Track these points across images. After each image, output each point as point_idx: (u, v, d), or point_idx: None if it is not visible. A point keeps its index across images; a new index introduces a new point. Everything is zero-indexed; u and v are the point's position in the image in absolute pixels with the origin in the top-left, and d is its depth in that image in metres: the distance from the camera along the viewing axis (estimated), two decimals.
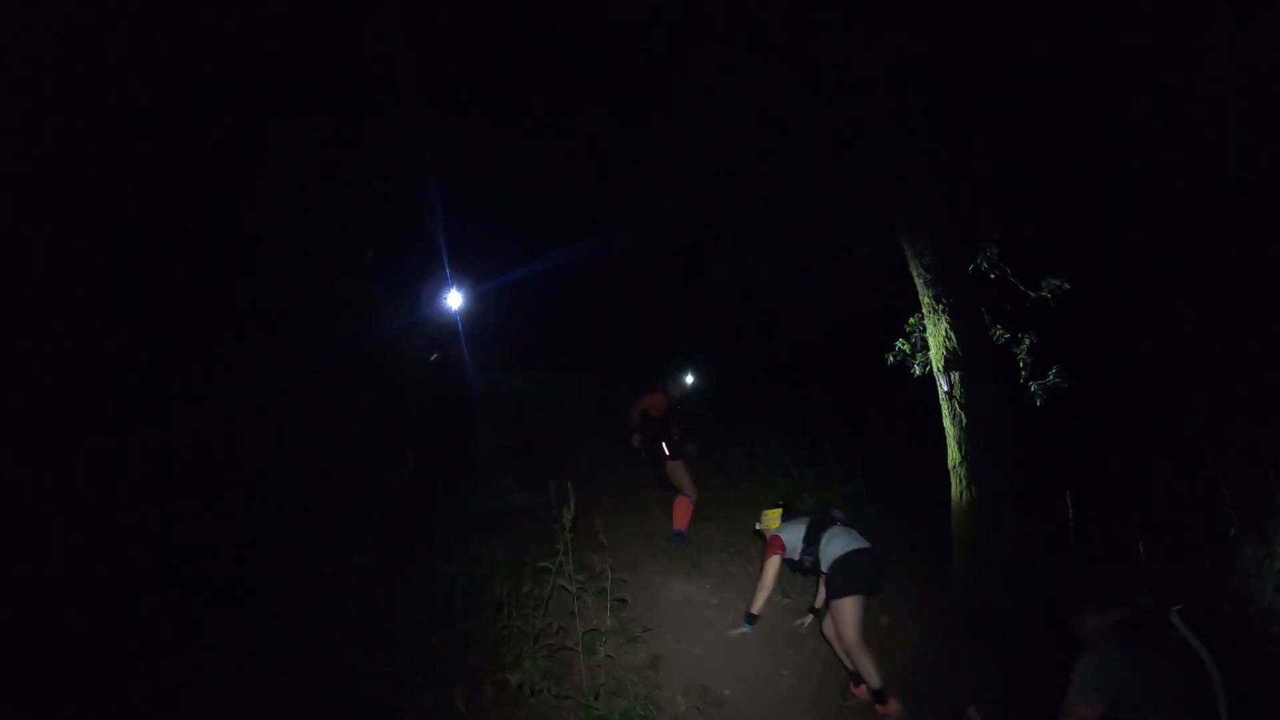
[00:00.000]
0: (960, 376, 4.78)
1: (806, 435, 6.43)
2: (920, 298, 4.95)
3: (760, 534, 4.41)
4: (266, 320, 5.41)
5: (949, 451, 4.85)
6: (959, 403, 4.76)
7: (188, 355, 5.05)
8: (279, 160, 5.87)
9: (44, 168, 4.94)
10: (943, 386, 4.79)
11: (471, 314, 6.45)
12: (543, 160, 7.59)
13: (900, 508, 6.00)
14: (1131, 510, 5.50)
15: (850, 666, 3.88)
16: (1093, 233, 5.52)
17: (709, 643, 4.37)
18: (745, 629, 4.25)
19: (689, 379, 5.64)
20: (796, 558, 3.98)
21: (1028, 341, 5.18)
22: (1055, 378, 5.09)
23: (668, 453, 5.27)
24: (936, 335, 4.86)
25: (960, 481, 4.80)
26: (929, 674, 4.22)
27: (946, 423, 4.87)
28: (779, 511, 4.23)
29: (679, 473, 5.38)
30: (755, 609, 4.13)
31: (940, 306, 4.82)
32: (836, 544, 3.81)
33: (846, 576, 3.71)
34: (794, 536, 3.99)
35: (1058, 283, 5.00)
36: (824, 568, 3.87)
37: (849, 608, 3.67)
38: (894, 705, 3.67)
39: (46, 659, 3.45)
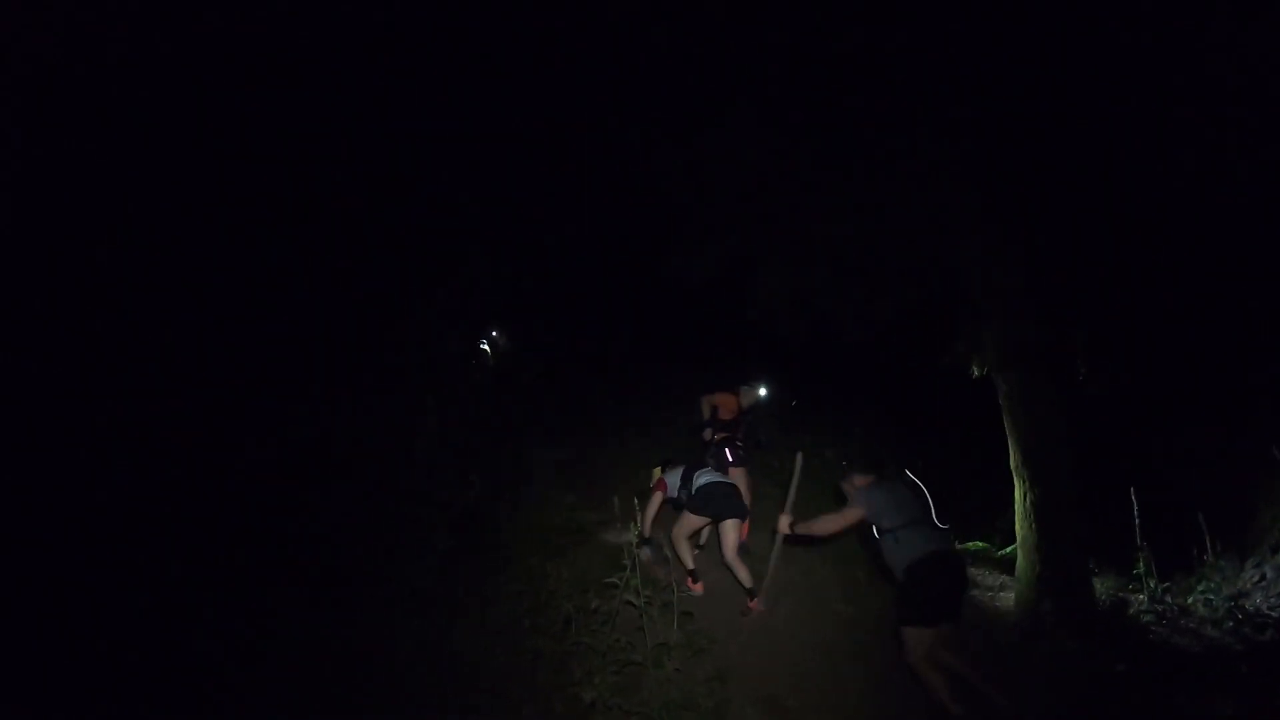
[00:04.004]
0: (1018, 377, 4.70)
1: (862, 443, 6.31)
2: (975, 298, 4.86)
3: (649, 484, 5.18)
4: (336, 349, 5.43)
5: (1010, 454, 4.77)
6: (1017, 404, 4.67)
7: (264, 381, 5.08)
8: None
9: (44, 168, 4.97)
10: (1001, 388, 4.70)
11: (527, 332, 6.43)
12: (588, 178, 7.53)
13: (965, 521, 5.87)
14: (1194, 505, 5.38)
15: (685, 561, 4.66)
16: (1097, 231, 5.37)
17: (773, 652, 4.33)
18: (634, 547, 4.67)
19: (762, 391, 5.64)
20: (676, 495, 4.80)
21: (1084, 340, 5.06)
22: (1113, 375, 4.98)
23: (731, 459, 5.24)
24: (992, 336, 4.77)
25: (1023, 483, 4.72)
26: (991, 676, 4.15)
27: (1007, 424, 4.79)
28: (660, 469, 5.10)
29: (740, 480, 5.34)
30: (645, 532, 4.80)
31: (994, 307, 4.72)
32: (703, 479, 4.70)
33: (699, 501, 4.60)
34: (674, 479, 4.86)
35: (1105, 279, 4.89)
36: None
37: (688, 519, 4.63)
38: (700, 586, 4.64)
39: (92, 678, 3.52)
